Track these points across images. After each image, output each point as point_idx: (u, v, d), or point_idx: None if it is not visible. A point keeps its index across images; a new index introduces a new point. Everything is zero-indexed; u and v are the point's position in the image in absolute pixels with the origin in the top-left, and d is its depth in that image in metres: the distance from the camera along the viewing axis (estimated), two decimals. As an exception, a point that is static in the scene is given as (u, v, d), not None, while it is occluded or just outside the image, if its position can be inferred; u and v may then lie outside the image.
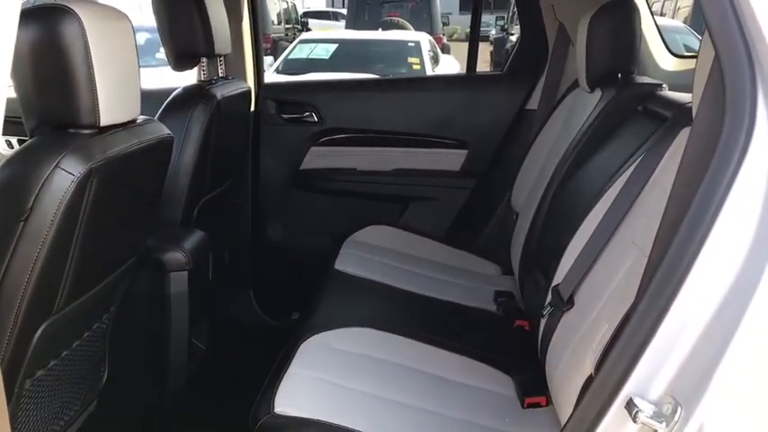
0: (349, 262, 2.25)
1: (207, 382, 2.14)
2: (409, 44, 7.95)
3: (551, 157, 2.19)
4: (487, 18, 14.60)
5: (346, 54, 7.90)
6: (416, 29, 10.42)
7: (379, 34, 9.04)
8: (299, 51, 8.34)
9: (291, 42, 9.52)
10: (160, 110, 2.07)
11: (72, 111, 1.33)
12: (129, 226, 1.60)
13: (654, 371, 0.97)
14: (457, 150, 2.73)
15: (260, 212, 2.72)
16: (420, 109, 2.73)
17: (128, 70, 1.45)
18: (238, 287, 2.71)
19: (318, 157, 2.72)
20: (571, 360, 1.44)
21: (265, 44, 11.25)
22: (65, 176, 1.25)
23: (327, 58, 8.01)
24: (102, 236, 1.43)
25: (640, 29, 2.06)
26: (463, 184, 2.74)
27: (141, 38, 7.37)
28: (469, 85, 2.91)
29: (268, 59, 9.54)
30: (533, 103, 2.69)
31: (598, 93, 2.04)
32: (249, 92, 2.49)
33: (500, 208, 2.66)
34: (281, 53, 9.28)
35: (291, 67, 7.83)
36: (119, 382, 1.80)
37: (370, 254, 2.34)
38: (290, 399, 1.46)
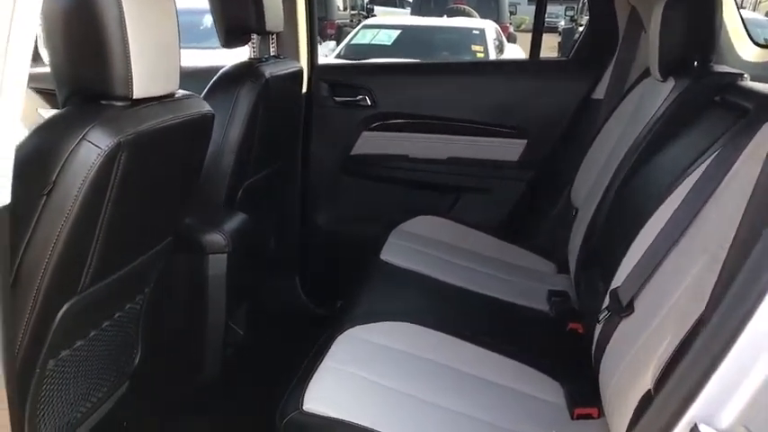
0: (395, 252, 2.16)
1: (244, 367, 2.08)
2: (473, 31, 7.78)
3: (617, 149, 2.04)
4: (557, 9, 14.26)
5: (409, 40, 7.77)
6: (483, 17, 10.21)
7: (444, 21, 8.89)
8: (362, 37, 8.26)
9: (356, 28, 9.45)
10: (207, 87, 2.02)
11: (104, 81, 1.27)
12: (163, 205, 1.54)
13: (725, 395, 0.84)
14: (515, 140, 2.60)
15: (309, 197, 2.65)
16: (478, 95, 2.61)
17: (166, 41, 1.38)
18: (284, 273, 2.65)
19: (370, 143, 2.63)
20: (628, 371, 1.31)
21: (330, 30, 11.27)
22: (91, 149, 1.19)
23: (390, 44, 7.90)
24: (132, 214, 1.37)
25: (721, 13, 1.90)
26: (520, 176, 2.61)
27: (208, 20, 7.40)
28: (532, 71, 2.77)
29: (331, 45, 9.50)
30: (600, 92, 2.53)
31: (671, 82, 1.89)
32: (300, 72, 2.41)
33: (559, 202, 2.52)
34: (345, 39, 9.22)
35: (354, 52, 7.75)
36: (152, 364, 1.75)
37: (417, 245, 2.23)
38: (321, 395, 1.38)
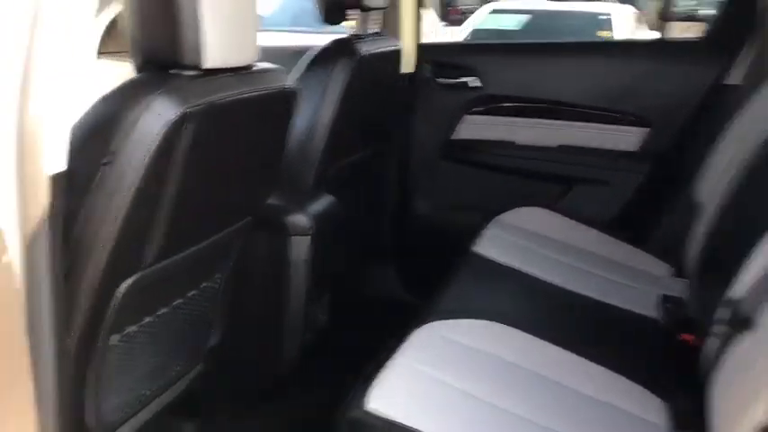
0: (492, 245, 2.01)
1: (325, 356, 2.00)
2: (600, 17, 7.38)
3: (749, 142, 1.79)
4: (703, -5, 13.36)
5: (536, 26, 7.51)
6: (622, 2, 9.68)
7: (574, 5, 8.50)
8: (489, 22, 8.05)
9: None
10: (305, 64, 1.95)
11: (174, 49, 1.21)
12: (237, 182, 1.47)
13: None
14: (635, 128, 2.37)
15: (407, 183, 2.55)
16: (596, 78, 2.40)
17: (242, 11, 1.31)
18: (379, 260, 2.56)
19: (473, 127, 2.48)
20: (740, 398, 1.12)
21: (455, 15, 11.08)
22: (154, 119, 1.14)
23: (517, 29, 7.66)
24: (201, 190, 1.32)
25: None
26: (638, 168, 2.38)
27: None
28: (659, 52, 2.51)
29: (454, 30, 9.33)
30: (735, 77, 2.25)
31: None
32: (400, 51, 2.30)
33: (680, 198, 2.27)
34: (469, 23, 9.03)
35: (479, 38, 7.57)
36: (229, 346, 1.71)
37: (517, 237, 2.08)
38: (387, 394, 1.27)
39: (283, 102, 1.49)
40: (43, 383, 1.03)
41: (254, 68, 1.39)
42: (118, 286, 1.22)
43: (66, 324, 1.14)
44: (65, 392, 1.10)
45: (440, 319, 1.56)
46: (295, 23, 5.70)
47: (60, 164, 1.03)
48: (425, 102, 2.49)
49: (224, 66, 1.28)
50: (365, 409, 1.23)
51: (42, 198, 1.00)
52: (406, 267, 2.60)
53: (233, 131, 1.35)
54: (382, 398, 1.26)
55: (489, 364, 1.45)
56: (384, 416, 1.21)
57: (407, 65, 2.41)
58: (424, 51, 2.49)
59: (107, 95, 1.19)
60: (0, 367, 0.92)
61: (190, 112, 1.17)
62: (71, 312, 1.17)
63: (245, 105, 1.33)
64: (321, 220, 1.79)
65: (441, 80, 2.49)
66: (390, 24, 2.36)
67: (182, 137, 1.18)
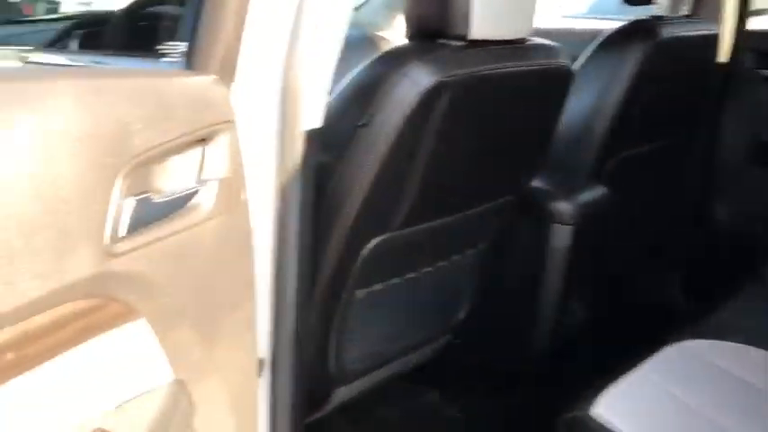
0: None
1: (574, 352, 1.89)
2: None
3: None
4: None
5: None
6: None
7: None
8: None
9: None
10: (599, 43, 1.85)
11: (441, 19, 1.23)
12: (497, 158, 1.44)
13: None
14: None
15: (707, 184, 2.27)
16: None
17: None
18: (661, 263, 2.34)
19: None
20: None
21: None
22: (410, 86, 1.16)
23: None
24: (454, 160, 1.32)
25: None
26: None
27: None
28: None
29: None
30: None
31: None
32: (713, 37, 2.04)
33: None
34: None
35: None
36: (480, 324, 1.71)
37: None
38: (619, 404, 1.17)
39: (556, 80, 1.42)
40: (284, 328, 1.12)
41: (527, 43, 1.35)
42: (366, 243, 1.28)
43: (313, 272, 1.22)
44: (307, 339, 1.18)
45: (707, 336, 1.38)
46: (621, 11, 5.42)
47: (317, 120, 1.11)
48: (740, 96, 2.18)
49: (492, 38, 1.26)
50: (588, 411, 1.15)
51: (299, 150, 1.08)
52: (690, 275, 2.33)
53: (495, 105, 1.32)
54: (609, 405, 1.16)
55: (739, 391, 1.25)
56: (604, 422, 1.12)
57: (723, 53, 2.14)
58: (748, 38, 2.18)
59: (373, 61, 1.24)
60: (235, 301, 1.02)
61: (446, 81, 1.17)
62: (319, 262, 1.25)
63: (509, 79, 1.30)
64: (588, 211, 1.68)
65: (764, 72, 2.16)
66: (708, 7, 2.11)
67: (437, 105, 1.19)
